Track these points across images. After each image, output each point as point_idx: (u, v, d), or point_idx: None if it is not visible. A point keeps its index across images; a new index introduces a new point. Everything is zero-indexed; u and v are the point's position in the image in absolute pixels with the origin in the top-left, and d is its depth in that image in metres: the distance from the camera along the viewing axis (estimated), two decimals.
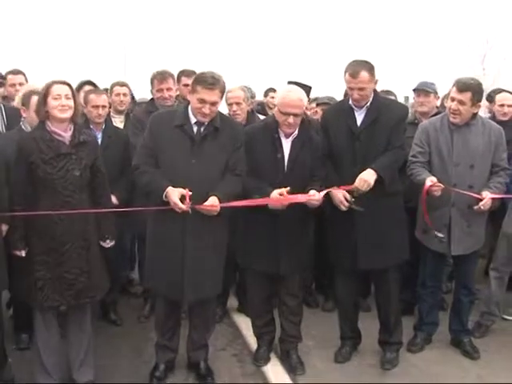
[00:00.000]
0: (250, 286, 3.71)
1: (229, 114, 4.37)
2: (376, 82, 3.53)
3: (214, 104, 3.17)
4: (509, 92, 5.09)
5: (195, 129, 3.25)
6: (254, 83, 6.12)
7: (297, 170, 3.47)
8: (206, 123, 3.23)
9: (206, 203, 3.12)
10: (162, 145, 3.24)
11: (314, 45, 28.51)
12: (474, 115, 3.68)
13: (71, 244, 3.13)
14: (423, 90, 4.47)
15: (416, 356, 3.84)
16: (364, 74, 3.42)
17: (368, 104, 3.52)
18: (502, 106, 4.89)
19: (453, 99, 3.62)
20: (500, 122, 4.15)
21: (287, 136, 3.50)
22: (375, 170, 3.39)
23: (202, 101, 3.15)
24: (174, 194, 3.09)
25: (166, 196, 3.13)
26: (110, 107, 4.35)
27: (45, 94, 3.13)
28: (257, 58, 26.85)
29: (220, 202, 3.14)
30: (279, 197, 3.30)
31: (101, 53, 28.68)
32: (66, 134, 3.16)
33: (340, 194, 3.44)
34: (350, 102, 3.55)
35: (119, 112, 4.74)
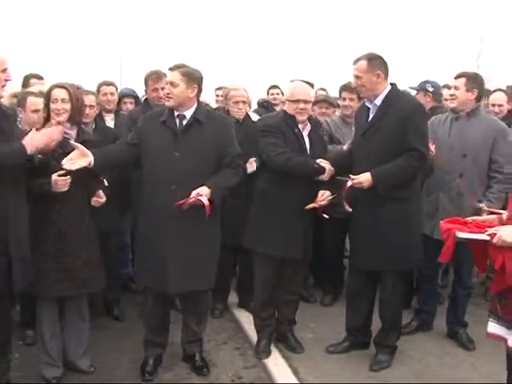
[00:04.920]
0: (260, 274, 3.74)
1: (227, 111, 4.41)
2: (378, 76, 3.41)
3: (172, 84, 3.25)
4: (502, 90, 5.23)
5: (177, 122, 3.31)
6: (251, 81, 6.22)
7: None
8: (189, 116, 3.28)
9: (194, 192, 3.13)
10: (147, 141, 3.31)
11: (314, 42, 28.64)
12: (476, 107, 3.81)
13: (75, 234, 3.29)
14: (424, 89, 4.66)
15: (413, 347, 3.92)
16: (361, 63, 3.43)
17: (378, 101, 3.45)
18: (493, 105, 5.02)
19: (449, 87, 3.85)
20: None
21: (303, 130, 3.66)
22: (372, 176, 3.37)
23: (167, 83, 3.32)
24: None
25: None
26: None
27: (48, 98, 3.25)
28: (255, 56, 26.95)
29: (211, 191, 3.16)
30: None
31: (96, 53, 28.82)
32: (72, 132, 3.31)
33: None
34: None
35: (108, 111, 4.80)
